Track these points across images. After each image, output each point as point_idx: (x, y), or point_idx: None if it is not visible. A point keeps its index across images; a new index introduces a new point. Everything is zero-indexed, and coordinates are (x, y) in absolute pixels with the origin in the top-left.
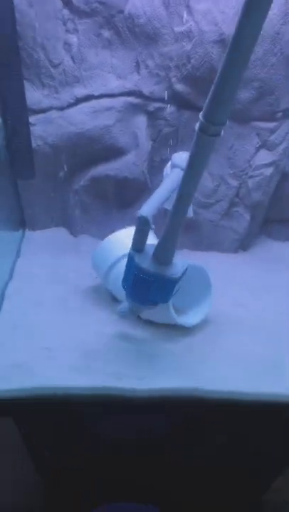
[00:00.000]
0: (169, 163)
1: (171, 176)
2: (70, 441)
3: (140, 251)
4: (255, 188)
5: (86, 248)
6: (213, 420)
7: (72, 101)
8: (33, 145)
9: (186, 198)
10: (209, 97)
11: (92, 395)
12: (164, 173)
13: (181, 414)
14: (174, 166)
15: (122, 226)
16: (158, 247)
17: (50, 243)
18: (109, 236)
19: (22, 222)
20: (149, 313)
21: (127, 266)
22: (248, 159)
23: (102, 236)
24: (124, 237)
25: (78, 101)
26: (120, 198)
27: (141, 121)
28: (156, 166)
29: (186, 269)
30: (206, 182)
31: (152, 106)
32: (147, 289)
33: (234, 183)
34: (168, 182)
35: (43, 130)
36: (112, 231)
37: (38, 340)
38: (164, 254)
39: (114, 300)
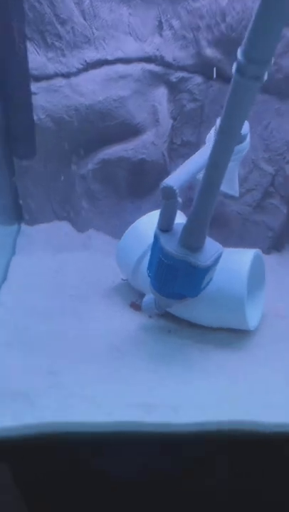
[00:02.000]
0: (213, 128)
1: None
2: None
3: (167, 230)
4: None
5: (94, 245)
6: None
7: (81, 66)
8: (34, 118)
9: (219, 165)
10: (249, 27)
11: (113, 432)
12: (206, 139)
13: (236, 454)
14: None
15: (137, 219)
16: (185, 228)
17: (51, 239)
18: (138, 220)
19: (18, 214)
20: (201, 314)
21: (152, 248)
22: (287, 141)
23: (113, 231)
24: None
25: (88, 66)
26: (135, 186)
27: (161, 93)
28: (175, 150)
29: (220, 256)
30: None
31: (175, 76)
32: (172, 277)
33: (269, 169)
34: (205, 150)
35: (46, 100)
36: (126, 225)
37: (39, 362)
38: (192, 236)
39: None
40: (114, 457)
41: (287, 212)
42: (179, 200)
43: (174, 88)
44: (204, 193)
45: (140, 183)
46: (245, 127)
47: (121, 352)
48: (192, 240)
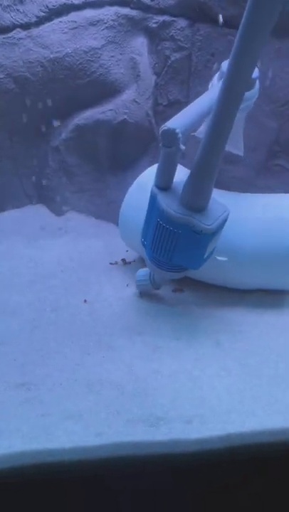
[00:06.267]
0: (217, 74)
1: (217, 89)
2: None
3: (166, 188)
4: None
5: (75, 228)
6: None
7: (43, 14)
8: None
9: (229, 111)
10: None
11: (101, 460)
12: (210, 85)
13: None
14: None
15: (123, 196)
16: (188, 184)
17: (25, 226)
18: (142, 174)
19: None
20: (240, 275)
21: (148, 210)
22: None
23: (96, 212)
24: None
25: (52, 14)
26: (118, 156)
27: (140, 43)
28: (162, 112)
29: (226, 218)
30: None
31: (155, 20)
32: (172, 245)
33: (272, 124)
34: (211, 95)
35: (4, 56)
36: (110, 204)
37: (8, 371)
38: (195, 195)
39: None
40: (108, 495)
41: None
42: (182, 147)
43: (154, 36)
44: (211, 142)
45: (123, 151)
46: (255, 71)
47: (116, 350)
48: (195, 198)
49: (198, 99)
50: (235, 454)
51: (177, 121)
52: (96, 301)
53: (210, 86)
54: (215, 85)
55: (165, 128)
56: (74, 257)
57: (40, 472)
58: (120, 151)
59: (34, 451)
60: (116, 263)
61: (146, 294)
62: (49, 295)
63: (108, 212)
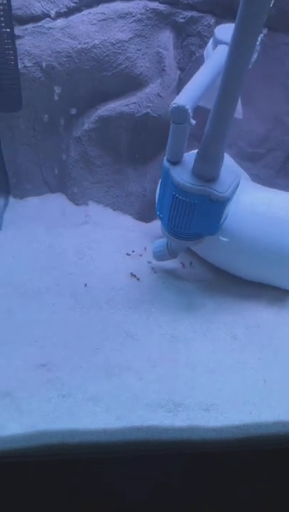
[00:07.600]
0: (211, 40)
1: (215, 57)
2: None
3: (177, 162)
4: None
5: (93, 219)
6: None
7: (73, 5)
8: (19, 66)
9: (236, 78)
10: None
11: (122, 443)
12: (205, 54)
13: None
14: (218, 43)
15: (141, 189)
16: (198, 157)
17: (43, 214)
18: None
19: (5, 186)
20: (244, 266)
21: (161, 184)
22: None
23: (114, 203)
24: None
25: (82, 5)
26: (139, 148)
27: (167, 37)
28: None
29: (238, 184)
30: (253, 124)
31: (183, 15)
32: (189, 215)
33: None
34: (210, 65)
35: (33, 45)
36: (129, 196)
37: (28, 352)
38: (206, 165)
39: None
40: (127, 478)
41: None
42: (192, 122)
43: (181, 31)
44: (219, 112)
45: (144, 144)
46: None
47: (134, 338)
48: (208, 167)
49: (199, 71)
50: (251, 444)
51: (185, 97)
52: (113, 290)
53: (205, 54)
54: (210, 54)
55: (175, 105)
56: (92, 246)
57: (62, 452)
58: (142, 144)
59: (57, 431)
60: (133, 251)
61: (163, 260)
62: (68, 281)
63: (126, 204)
